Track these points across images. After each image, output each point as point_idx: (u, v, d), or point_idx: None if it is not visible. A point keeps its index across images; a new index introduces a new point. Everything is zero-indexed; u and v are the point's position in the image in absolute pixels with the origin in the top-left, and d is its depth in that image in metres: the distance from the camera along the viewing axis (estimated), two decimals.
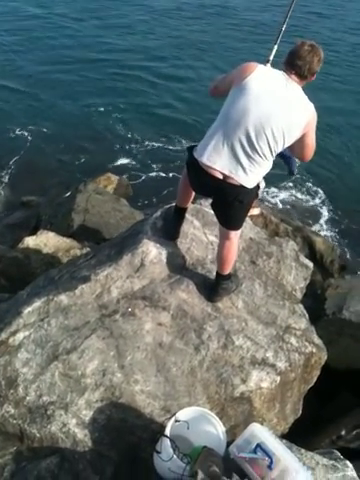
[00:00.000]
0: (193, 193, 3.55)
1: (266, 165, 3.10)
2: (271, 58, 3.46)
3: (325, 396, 4.51)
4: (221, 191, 3.12)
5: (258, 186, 3.26)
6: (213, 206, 3.39)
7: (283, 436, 3.48)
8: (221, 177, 3.04)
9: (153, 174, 8.92)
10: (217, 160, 3.02)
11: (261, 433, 2.36)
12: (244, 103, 2.90)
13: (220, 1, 20.07)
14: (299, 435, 3.68)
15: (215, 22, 17.91)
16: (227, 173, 3.03)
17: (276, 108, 2.88)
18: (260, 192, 6.03)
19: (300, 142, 3.06)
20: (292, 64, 2.90)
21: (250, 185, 3.10)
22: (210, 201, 3.44)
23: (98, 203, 7.11)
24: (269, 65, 3.28)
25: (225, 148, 3.00)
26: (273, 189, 9.13)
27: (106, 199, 7.31)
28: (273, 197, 8.95)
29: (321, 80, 12.51)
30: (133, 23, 16.96)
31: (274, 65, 3.27)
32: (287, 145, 3.03)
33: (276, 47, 3.50)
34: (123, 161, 9.49)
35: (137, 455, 2.79)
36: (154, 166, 9.16)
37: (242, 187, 3.07)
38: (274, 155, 3.07)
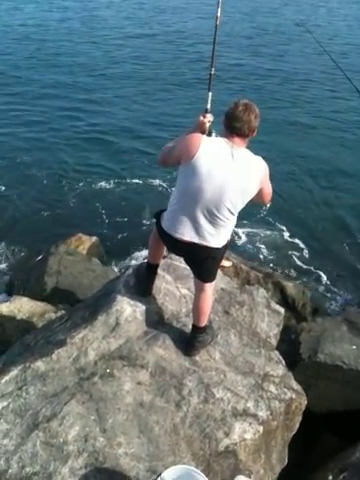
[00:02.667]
0: (164, 249, 3.66)
1: (231, 224, 3.28)
2: (208, 107, 3.48)
3: (309, 441, 4.50)
4: (193, 252, 3.29)
5: (225, 249, 3.41)
6: (186, 262, 3.52)
7: None
8: (192, 241, 3.20)
9: (124, 232, 8.98)
10: (185, 232, 3.20)
11: None
12: (198, 184, 3.04)
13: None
14: None
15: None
16: (197, 241, 3.19)
17: (228, 179, 3.02)
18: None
19: (258, 195, 3.21)
20: (231, 127, 3.04)
21: (220, 245, 3.27)
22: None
23: (70, 264, 7.12)
24: (213, 135, 3.32)
25: (189, 222, 3.18)
26: (242, 232, 9.27)
27: (78, 259, 7.34)
28: (242, 243, 9.09)
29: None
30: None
31: (213, 112, 3.41)
32: (246, 203, 3.18)
33: (210, 94, 3.54)
34: (93, 220, 9.55)
35: None
36: (125, 223, 9.22)
37: (213, 248, 3.23)
38: (236, 213, 3.23)
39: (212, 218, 3.13)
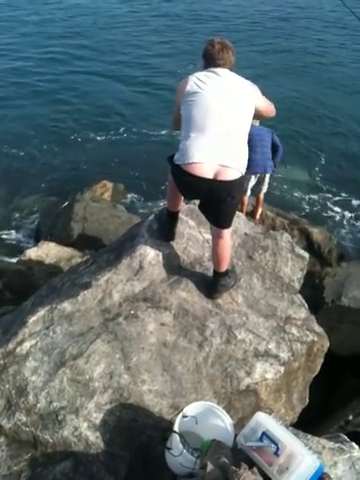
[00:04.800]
0: (182, 197, 3.62)
1: (244, 146, 3.30)
2: None
3: (332, 383, 4.58)
4: (213, 190, 3.18)
5: (244, 180, 3.36)
6: (202, 207, 3.46)
7: (292, 425, 3.54)
8: (211, 177, 3.11)
9: (149, 179, 8.96)
10: (203, 166, 3.10)
11: (266, 421, 2.42)
12: (199, 105, 3.14)
13: None
14: (308, 423, 3.74)
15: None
16: (216, 167, 3.10)
17: (222, 88, 3.17)
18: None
19: (258, 110, 3.32)
20: (213, 65, 3.23)
21: (238, 174, 3.18)
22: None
23: (96, 211, 7.19)
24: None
25: (205, 143, 3.12)
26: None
27: (103, 206, 7.40)
28: (268, 189, 9.01)
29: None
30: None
31: None
32: (250, 118, 3.29)
33: None
34: (119, 168, 9.54)
35: (149, 453, 2.85)
36: (150, 170, 9.17)
37: (232, 182, 3.15)
38: (246, 134, 3.30)
39: (225, 133, 3.13)
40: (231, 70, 3.28)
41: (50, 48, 15.49)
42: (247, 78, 3.33)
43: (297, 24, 18.16)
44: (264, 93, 3.36)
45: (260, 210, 7.27)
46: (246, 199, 6.99)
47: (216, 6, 20.56)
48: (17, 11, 19.54)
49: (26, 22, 18.22)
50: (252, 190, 6.85)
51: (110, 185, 8.36)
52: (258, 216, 7.28)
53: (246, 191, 6.79)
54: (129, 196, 8.67)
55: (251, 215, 7.27)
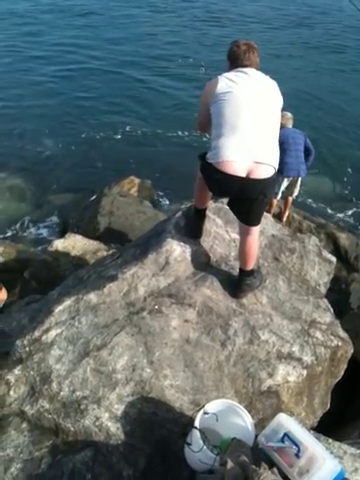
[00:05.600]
0: (210, 194, 3.62)
1: (276, 143, 3.30)
2: None
3: (355, 390, 4.52)
4: (245, 189, 3.18)
5: (276, 179, 3.36)
6: (232, 205, 3.46)
7: (312, 430, 3.51)
8: (244, 175, 3.11)
9: (175, 175, 8.98)
10: (237, 165, 3.11)
11: (288, 423, 2.41)
12: (231, 99, 3.14)
13: None
14: (328, 428, 3.70)
15: None
16: (250, 165, 3.10)
17: (253, 86, 3.19)
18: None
19: None
20: (240, 66, 3.25)
21: (272, 171, 3.18)
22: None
23: (122, 206, 7.24)
24: None
25: (238, 141, 3.12)
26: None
27: (130, 201, 7.45)
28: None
29: None
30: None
31: None
32: (279, 116, 3.34)
33: None
34: (146, 164, 9.58)
35: (168, 448, 2.85)
36: (177, 166, 9.18)
37: (265, 180, 3.15)
38: (277, 132, 3.32)
39: (258, 130, 3.15)
40: (257, 70, 3.30)
41: (63, 47, 15.56)
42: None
43: (316, 28, 17.93)
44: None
45: (287, 213, 7.23)
46: (275, 201, 6.96)
47: (232, 7, 20.42)
48: (33, 5, 19.62)
49: (37, 19, 18.29)
50: (282, 192, 6.81)
51: (137, 181, 8.41)
52: (285, 219, 7.24)
53: (277, 194, 6.76)
54: (156, 193, 8.71)
55: (278, 217, 7.23)
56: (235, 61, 3.28)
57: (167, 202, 8.68)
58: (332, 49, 16.08)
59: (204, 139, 10.10)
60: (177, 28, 17.36)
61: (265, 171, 3.14)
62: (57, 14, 18.83)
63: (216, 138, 3.20)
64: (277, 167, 3.26)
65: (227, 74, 3.26)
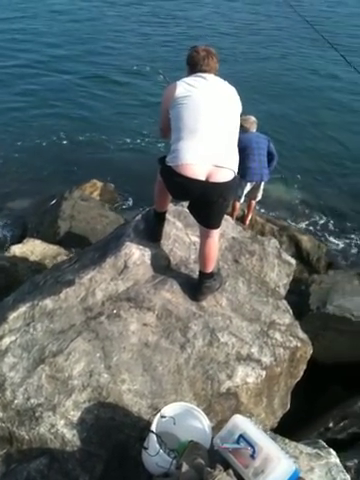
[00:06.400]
0: (170, 197, 3.61)
1: (235, 147, 3.28)
2: None
3: (315, 391, 4.57)
4: (205, 192, 3.17)
5: (236, 183, 3.36)
6: (192, 208, 3.46)
7: (272, 430, 3.53)
8: (203, 178, 3.10)
9: (138, 178, 8.92)
10: (196, 158, 3.09)
11: (243, 424, 2.41)
12: (190, 103, 3.16)
13: None
14: (289, 429, 3.73)
15: None
16: (209, 168, 3.09)
17: (210, 90, 3.21)
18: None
19: None
20: (200, 71, 3.27)
21: (231, 175, 3.17)
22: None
23: (84, 210, 7.16)
24: None
25: (197, 144, 3.12)
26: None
27: (92, 205, 7.36)
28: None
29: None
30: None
31: None
32: (238, 120, 3.34)
33: None
34: (109, 168, 9.50)
35: (126, 452, 2.82)
36: (139, 170, 9.10)
37: (224, 184, 3.14)
38: (236, 136, 3.31)
39: (217, 134, 3.15)
40: (216, 76, 3.32)
41: (33, 54, 15.32)
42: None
43: (261, 34, 18.22)
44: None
45: (250, 216, 7.29)
46: (238, 205, 7.00)
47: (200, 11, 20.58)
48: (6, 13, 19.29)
49: (10, 29, 17.97)
50: (245, 196, 6.86)
51: (100, 184, 8.32)
52: (248, 222, 7.29)
53: (240, 197, 6.81)
54: (119, 196, 8.64)
55: (241, 220, 7.28)
56: (194, 66, 3.29)
57: (130, 205, 8.61)
58: (279, 54, 16.34)
59: (161, 144, 10.16)
60: (127, 32, 17.30)
61: (225, 175, 3.14)
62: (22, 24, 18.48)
63: (175, 141, 3.19)
64: (237, 171, 3.27)
65: (186, 79, 3.28)
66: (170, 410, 2.67)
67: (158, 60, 14.05)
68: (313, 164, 10.32)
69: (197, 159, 3.08)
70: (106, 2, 20.91)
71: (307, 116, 12.10)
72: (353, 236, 8.58)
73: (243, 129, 6.42)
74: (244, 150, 6.23)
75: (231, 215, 6.84)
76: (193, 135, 3.11)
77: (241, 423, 2.41)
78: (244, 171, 6.39)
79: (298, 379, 3.76)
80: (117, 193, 8.67)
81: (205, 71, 3.26)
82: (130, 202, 8.73)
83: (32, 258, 5.58)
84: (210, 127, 3.13)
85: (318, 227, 8.73)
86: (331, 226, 8.78)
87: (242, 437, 2.33)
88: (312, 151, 10.76)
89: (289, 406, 3.72)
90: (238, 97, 3.34)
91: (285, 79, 14.24)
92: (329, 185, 9.80)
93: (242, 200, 6.88)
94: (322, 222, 8.85)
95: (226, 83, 3.33)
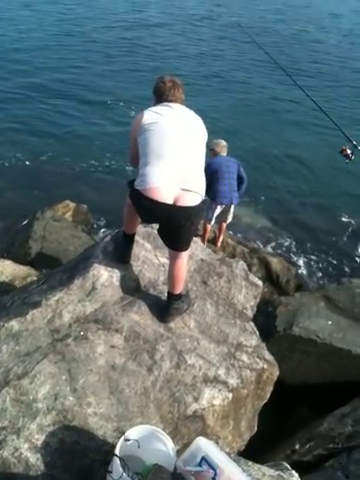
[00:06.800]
0: (139, 219, 3.65)
1: (202, 172, 3.37)
2: None
3: (283, 413, 4.59)
4: (172, 216, 3.24)
5: (203, 207, 3.43)
6: (161, 231, 3.51)
7: (240, 453, 3.54)
8: (171, 202, 3.16)
9: (111, 199, 8.94)
10: (163, 182, 3.17)
11: (206, 446, 2.41)
12: (157, 129, 3.26)
13: None
14: (257, 451, 3.74)
15: None
16: (176, 192, 3.16)
17: (176, 118, 3.32)
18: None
19: None
20: (166, 101, 3.38)
21: (198, 199, 3.24)
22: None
23: (56, 230, 7.13)
24: None
25: (164, 168, 3.20)
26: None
27: (64, 226, 7.34)
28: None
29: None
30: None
31: None
32: (204, 147, 3.44)
33: None
34: (81, 188, 9.52)
35: (90, 477, 2.79)
36: (112, 191, 9.09)
37: (191, 208, 3.21)
38: (203, 162, 3.40)
39: (184, 158, 3.24)
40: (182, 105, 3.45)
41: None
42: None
43: (224, 60, 18.64)
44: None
45: (222, 238, 7.38)
46: (209, 227, 7.09)
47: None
48: None
49: None
50: (216, 218, 6.96)
51: (73, 205, 8.31)
52: (219, 244, 7.38)
53: (211, 220, 6.91)
54: (92, 217, 8.64)
55: (213, 243, 7.36)
56: (161, 96, 3.41)
57: (103, 227, 8.61)
58: (242, 80, 16.71)
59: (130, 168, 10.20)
60: (93, 59, 17.37)
61: (192, 199, 3.21)
62: None
63: (143, 166, 3.26)
64: (204, 195, 3.34)
65: (153, 108, 3.40)
66: (134, 433, 2.66)
67: (124, 84, 14.35)
68: (280, 187, 10.57)
69: (164, 183, 3.15)
70: (75, 24, 21.19)
71: (271, 141, 12.38)
72: (321, 257, 8.77)
73: (214, 153, 6.55)
74: (214, 173, 6.36)
75: (202, 237, 6.94)
76: (160, 160, 3.18)
77: (204, 445, 2.42)
78: (214, 194, 6.52)
79: (265, 401, 3.79)
80: (90, 214, 8.66)
81: (171, 101, 3.37)
82: (103, 223, 8.72)
83: (2, 278, 5.52)
84: (176, 152, 3.21)
85: (286, 249, 8.88)
86: (299, 248, 8.95)
87: (204, 459, 2.33)
88: (278, 174, 11.02)
89: (256, 428, 3.73)
90: (204, 126, 3.46)
91: (244, 104, 14.56)
92: (296, 207, 10.04)
93: (213, 222, 6.98)
94: (290, 244, 9.01)
95: (192, 112, 3.45)
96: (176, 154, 3.22)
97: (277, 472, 2.68)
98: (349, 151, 5.42)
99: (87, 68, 16.33)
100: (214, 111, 12.69)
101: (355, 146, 5.41)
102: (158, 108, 3.36)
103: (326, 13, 29.06)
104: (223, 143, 6.72)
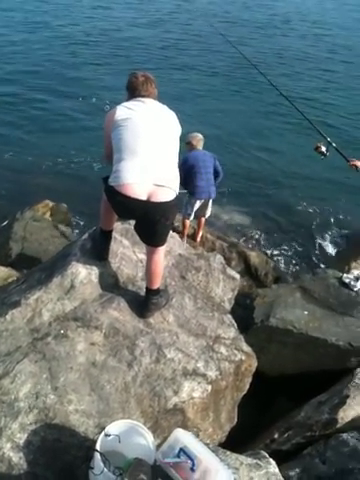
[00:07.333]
0: (116, 216, 3.68)
1: (176, 167, 3.41)
2: None
3: (263, 403, 4.67)
4: (147, 212, 3.27)
5: (178, 202, 3.46)
6: (137, 228, 3.55)
7: (221, 444, 3.60)
8: (145, 198, 3.19)
9: (90, 197, 8.92)
10: (136, 178, 3.20)
11: (184, 438, 2.47)
12: (130, 125, 3.27)
13: None
14: (238, 442, 3.81)
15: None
16: (150, 188, 3.20)
17: (149, 112, 3.35)
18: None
19: None
20: (139, 96, 3.39)
21: (173, 195, 3.28)
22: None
23: (36, 230, 7.11)
24: None
25: (138, 164, 3.23)
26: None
27: (44, 226, 7.33)
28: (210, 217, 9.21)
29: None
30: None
31: None
32: (178, 141, 3.46)
33: None
34: (61, 187, 9.48)
35: (73, 473, 2.83)
36: (90, 189, 9.06)
37: (166, 204, 3.24)
38: (177, 156, 3.43)
39: (157, 154, 3.27)
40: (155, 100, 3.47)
41: None
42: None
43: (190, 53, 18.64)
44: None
45: (201, 233, 7.43)
46: (188, 222, 7.13)
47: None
48: None
49: None
50: (195, 213, 7.00)
51: (52, 205, 8.28)
52: (199, 239, 7.43)
53: (190, 215, 6.94)
54: (71, 216, 8.62)
55: (192, 238, 7.41)
56: (133, 91, 3.42)
57: (84, 225, 8.58)
58: (210, 72, 16.74)
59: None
60: (61, 54, 17.18)
61: (166, 194, 3.24)
62: None
63: (117, 162, 3.29)
64: (178, 190, 3.38)
65: (125, 103, 3.41)
66: (115, 428, 2.70)
67: (94, 82, 14.26)
68: (254, 182, 10.64)
69: (137, 179, 3.18)
70: (39, 22, 20.88)
71: (238, 138, 12.39)
72: (297, 249, 8.89)
73: (190, 146, 6.59)
74: (192, 169, 6.40)
75: (182, 233, 6.98)
76: (133, 155, 3.21)
77: (182, 437, 2.47)
78: (193, 189, 6.56)
79: (244, 392, 3.86)
80: (70, 213, 8.64)
81: (144, 96, 3.39)
82: (83, 221, 8.71)
83: None
84: (150, 148, 3.24)
85: (264, 242, 8.96)
86: (275, 241, 9.04)
87: (182, 451, 2.38)
88: (252, 169, 11.08)
89: (236, 419, 3.80)
90: (177, 120, 3.47)
91: (214, 99, 14.54)
92: (270, 201, 10.11)
93: (192, 217, 7.02)
94: (267, 237, 9.09)
95: (165, 107, 3.47)
96: (149, 150, 3.25)
97: (254, 460, 2.74)
98: (324, 148, 5.50)
99: (58, 63, 16.17)
100: (187, 105, 12.69)
101: (329, 143, 5.48)
102: (131, 103, 3.38)
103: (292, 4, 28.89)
104: (199, 136, 6.75)
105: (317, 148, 5.54)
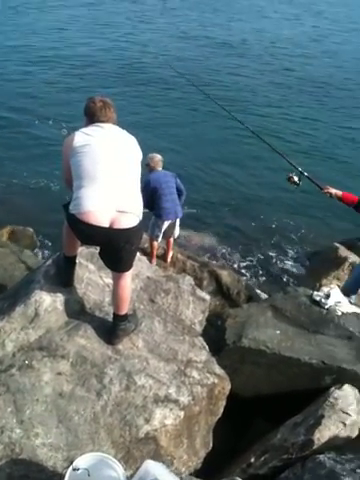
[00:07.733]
0: (79, 241, 3.60)
1: (139, 192, 3.37)
2: None
3: (239, 426, 4.57)
4: (110, 239, 3.22)
5: (142, 228, 3.40)
6: (101, 254, 3.47)
7: (196, 471, 3.50)
8: (107, 225, 3.14)
9: (57, 222, 8.82)
10: (97, 205, 3.15)
11: (154, 469, 2.38)
12: (89, 151, 3.22)
13: None
14: (214, 468, 3.71)
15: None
16: (112, 214, 3.14)
17: (107, 139, 3.30)
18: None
19: None
20: (98, 121, 3.36)
21: (136, 221, 3.23)
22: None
23: (1, 256, 6.94)
24: None
25: (98, 191, 3.17)
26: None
27: (9, 251, 7.16)
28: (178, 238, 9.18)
29: None
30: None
31: None
32: (139, 166, 3.42)
33: None
34: (26, 211, 9.34)
35: None
36: (58, 212, 8.93)
37: (129, 230, 3.19)
38: (139, 181, 3.39)
39: (118, 180, 3.23)
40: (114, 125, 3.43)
41: None
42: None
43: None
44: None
45: (171, 253, 7.37)
46: (156, 244, 7.07)
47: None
48: None
49: None
50: (163, 234, 6.96)
51: (18, 229, 8.15)
52: (169, 259, 7.37)
53: (158, 237, 6.90)
54: (38, 241, 8.47)
55: (162, 259, 7.35)
56: (92, 117, 3.38)
57: (51, 251, 8.44)
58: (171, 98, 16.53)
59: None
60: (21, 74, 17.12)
61: (129, 220, 3.20)
62: None
63: (77, 189, 3.23)
64: (141, 215, 3.32)
65: (83, 129, 3.37)
66: (83, 462, 2.60)
67: (53, 104, 14.19)
68: (220, 203, 10.68)
69: (99, 206, 3.13)
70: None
71: (200, 162, 12.35)
72: (267, 267, 8.94)
73: (150, 168, 6.58)
74: (155, 191, 6.39)
75: (151, 255, 6.92)
76: (93, 182, 3.16)
77: (152, 469, 2.38)
78: (159, 211, 6.55)
79: (219, 416, 3.78)
80: (36, 237, 8.49)
81: (103, 121, 3.35)
82: (50, 245, 8.56)
83: None
84: (110, 174, 3.20)
85: (235, 261, 8.97)
86: (245, 259, 9.07)
87: None
88: (217, 189, 11.13)
89: (212, 444, 3.70)
90: (137, 145, 3.45)
91: (175, 126, 14.44)
92: (239, 220, 10.16)
93: (160, 239, 6.98)
94: (238, 256, 9.10)
95: (124, 132, 3.44)
96: (110, 176, 3.20)
97: None
98: (296, 178, 5.52)
99: (12, 88, 15.94)
100: (147, 129, 12.71)
101: (301, 173, 5.51)
102: (89, 129, 3.33)
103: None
104: (158, 157, 6.74)
105: (290, 179, 5.55)
